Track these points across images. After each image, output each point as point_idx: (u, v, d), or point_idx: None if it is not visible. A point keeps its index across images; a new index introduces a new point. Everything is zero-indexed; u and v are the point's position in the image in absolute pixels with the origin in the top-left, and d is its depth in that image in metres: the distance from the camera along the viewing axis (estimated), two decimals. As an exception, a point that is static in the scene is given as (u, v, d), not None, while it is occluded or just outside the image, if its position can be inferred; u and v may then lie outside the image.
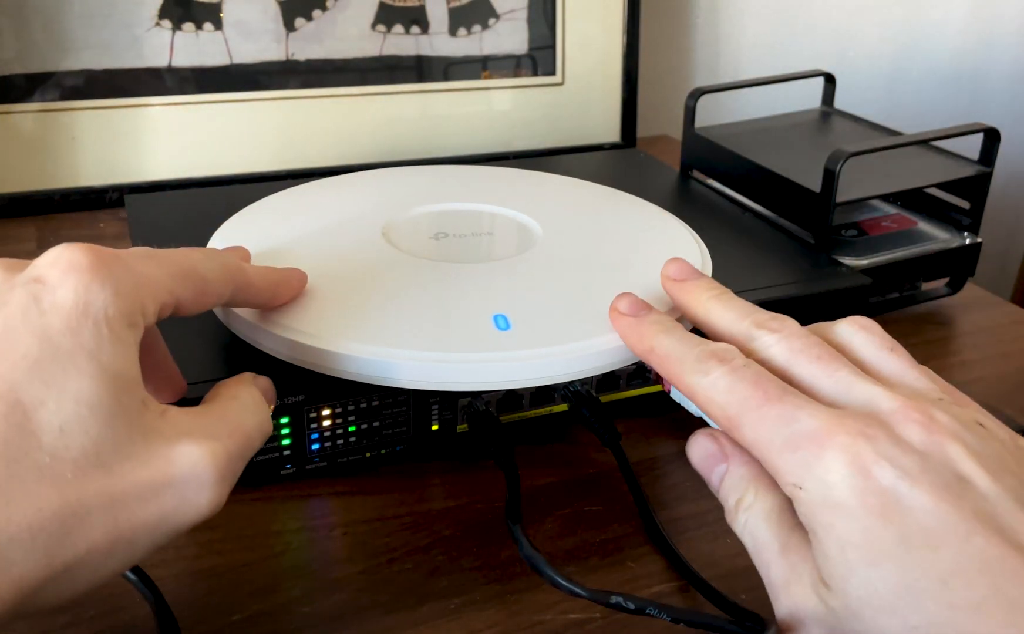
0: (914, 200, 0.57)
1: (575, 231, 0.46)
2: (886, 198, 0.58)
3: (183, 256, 0.28)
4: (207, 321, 0.37)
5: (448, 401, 0.38)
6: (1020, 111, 1.09)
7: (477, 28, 0.71)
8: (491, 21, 0.72)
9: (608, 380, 0.41)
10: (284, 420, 0.36)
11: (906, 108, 1.03)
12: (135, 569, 0.31)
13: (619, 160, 0.66)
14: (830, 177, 0.48)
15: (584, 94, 0.76)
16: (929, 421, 0.25)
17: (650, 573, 0.34)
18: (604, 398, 0.41)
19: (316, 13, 0.67)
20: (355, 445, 0.38)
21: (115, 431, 0.23)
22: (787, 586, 0.26)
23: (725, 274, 0.44)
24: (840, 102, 0.68)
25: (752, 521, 0.28)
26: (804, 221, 0.51)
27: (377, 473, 0.38)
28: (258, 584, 0.33)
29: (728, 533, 0.36)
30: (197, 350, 0.37)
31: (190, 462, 0.24)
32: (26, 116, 0.62)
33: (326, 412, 0.37)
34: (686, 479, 0.39)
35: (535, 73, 0.74)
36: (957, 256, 0.53)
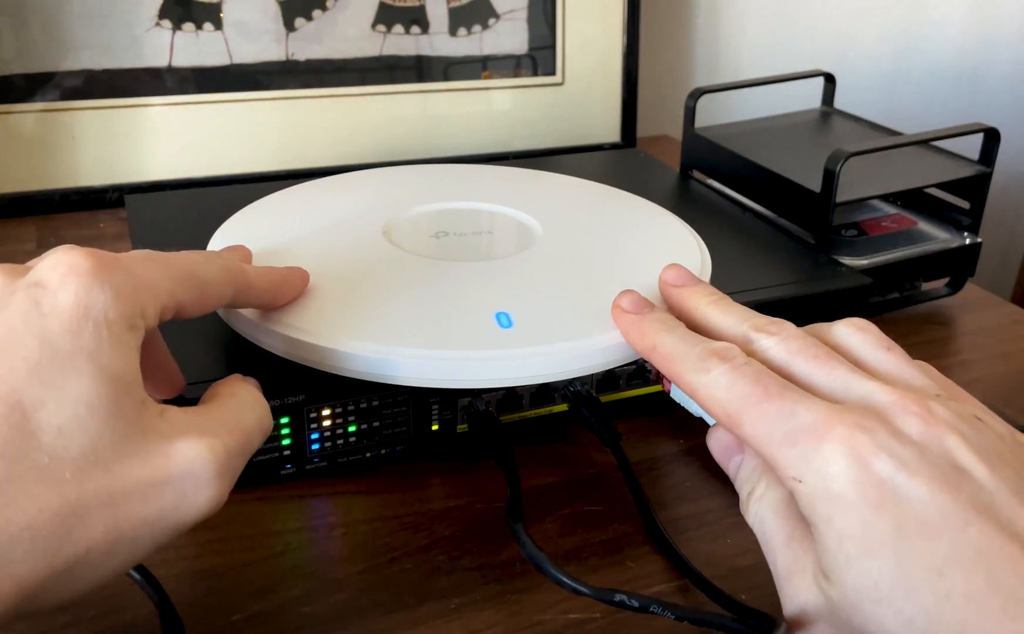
0: (914, 200, 0.57)
1: (575, 230, 0.46)
2: (886, 198, 0.58)
3: (183, 259, 0.28)
4: (208, 320, 0.37)
5: (448, 401, 0.38)
6: (1020, 111, 1.09)
7: (477, 28, 0.71)
8: (491, 21, 0.72)
9: (608, 380, 0.41)
10: (284, 420, 0.36)
11: (906, 108, 1.03)
12: (140, 569, 0.31)
13: (619, 160, 0.66)
14: (830, 177, 0.48)
15: (584, 94, 0.76)
16: (927, 413, 0.25)
17: (650, 573, 0.34)
18: (604, 398, 0.41)
19: (316, 13, 0.67)
20: (355, 445, 0.38)
21: (113, 430, 0.23)
22: (790, 577, 0.27)
23: (725, 274, 0.44)
24: (840, 102, 0.68)
25: (762, 512, 0.28)
26: (804, 221, 0.51)
27: (377, 473, 0.38)
28: (258, 584, 0.33)
29: (728, 533, 0.36)
30: (199, 349, 0.37)
31: (188, 459, 0.24)
32: (26, 116, 0.62)
33: (326, 412, 0.37)
34: (686, 479, 0.39)
35: (535, 73, 0.74)
36: (957, 256, 0.53)
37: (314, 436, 0.37)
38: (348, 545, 0.35)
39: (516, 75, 0.74)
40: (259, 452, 0.35)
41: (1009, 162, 1.08)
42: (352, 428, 0.37)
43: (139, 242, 0.49)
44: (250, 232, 0.44)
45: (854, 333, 0.30)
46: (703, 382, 0.28)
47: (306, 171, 0.67)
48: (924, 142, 0.55)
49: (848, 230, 0.53)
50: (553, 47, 0.74)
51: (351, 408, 0.37)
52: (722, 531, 0.36)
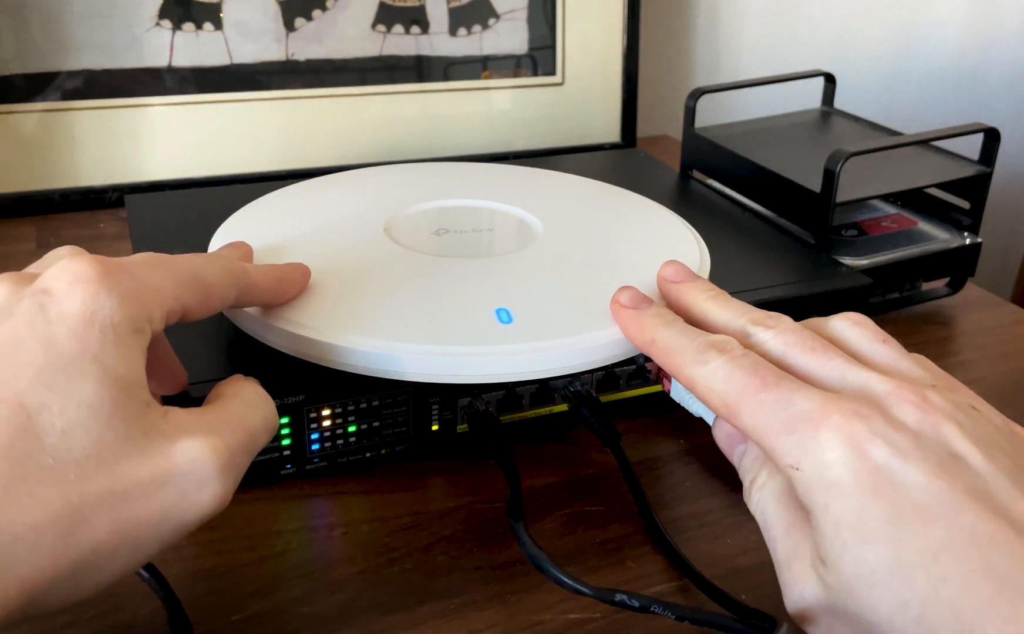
0: (914, 200, 0.57)
1: (575, 227, 0.46)
2: (886, 198, 0.58)
3: (187, 262, 0.29)
4: (211, 318, 0.37)
5: (448, 401, 0.38)
6: (1020, 111, 1.09)
7: (477, 28, 0.71)
8: (491, 21, 0.72)
9: (608, 380, 0.41)
10: (284, 420, 0.36)
11: (906, 108, 1.03)
12: (149, 568, 0.31)
13: (619, 160, 0.66)
14: (830, 177, 0.48)
15: (584, 94, 0.76)
16: (923, 401, 0.25)
17: (650, 573, 0.34)
18: (604, 398, 0.41)
19: (316, 13, 0.67)
20: (355, 445, 0.38)
21: (116, 432, 0.23)
22: (789, 564, 0.27)
23: (725, 274, 0.44)
24: (840, 102, 0.68)
25: (763, 500, 0.28)
26: (804, 221, 0.51)
27: (377, 473, 0.38)
28: (258, 584, 0.33)
29: (728, 533, 0.36)
30: (201, 348, 0.37)
31: (189, 457, 0.24)
32: (26, 116, 0.62)
33: (326, 412, 0.37)
34: (686, 479, 0.39)
35: (535, 73, 0.74)
36: (957, 256, 0.53)
37: (314, 436, 0.37)
38: (348, 545, 0.35)
39: (516, 75, 0.74)
40: (259, 452, 0.35)
41: (1009, 162, 1.08)
42: (352, 428, 0.37)
43: (139, 242, 0.49)
44: (251, 230, 0.44)
45: (850, 326, 0.30)
46: (701, 374, 0.29)
47: (306, 171, 0.67)
48: (924, 142, 0.55)
49: (848, 230, 0.53)
50: (553, 47, 0.74)
51: (351, 408, 0.37)
52: (722, 531, 0.36)
